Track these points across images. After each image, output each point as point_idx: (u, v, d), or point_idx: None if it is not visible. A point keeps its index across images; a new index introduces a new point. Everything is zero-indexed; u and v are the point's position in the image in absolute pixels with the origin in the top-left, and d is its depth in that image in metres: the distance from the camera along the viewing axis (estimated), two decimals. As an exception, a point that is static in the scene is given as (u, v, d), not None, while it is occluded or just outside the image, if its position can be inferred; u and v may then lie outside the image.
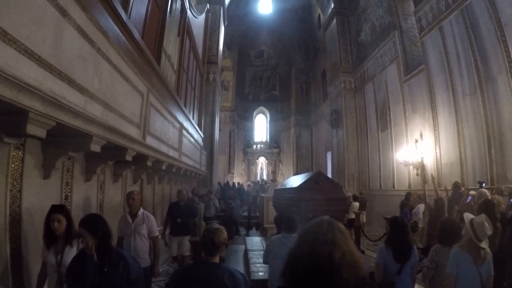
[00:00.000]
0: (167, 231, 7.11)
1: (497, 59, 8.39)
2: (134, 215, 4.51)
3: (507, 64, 8.07)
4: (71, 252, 3.13)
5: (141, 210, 4.58)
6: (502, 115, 8.33)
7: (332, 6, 20.30)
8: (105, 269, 2.57)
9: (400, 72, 13.75)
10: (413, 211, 9.02)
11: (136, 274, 2.71)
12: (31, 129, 2.80)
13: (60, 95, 2.98)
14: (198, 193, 12.14)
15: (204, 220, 9.41)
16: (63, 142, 3.76)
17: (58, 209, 3.22)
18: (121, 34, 4.59)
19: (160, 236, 6.71)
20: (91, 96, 3.64)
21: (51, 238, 3.20)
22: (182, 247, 6.92)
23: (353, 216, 10.45)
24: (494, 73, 8.54)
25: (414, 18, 12.70)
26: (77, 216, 4.53)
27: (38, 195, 3.80)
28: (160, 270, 5.32)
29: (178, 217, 6.79)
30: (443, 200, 7.30)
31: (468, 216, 3.39)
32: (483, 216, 3.25)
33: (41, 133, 2.94)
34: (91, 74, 3.66)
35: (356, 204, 11.20)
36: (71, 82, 3.20)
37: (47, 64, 2.82)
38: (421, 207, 8.75)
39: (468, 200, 6.62)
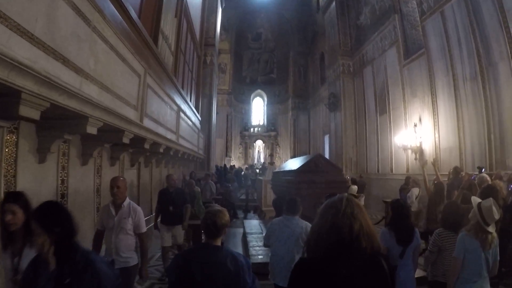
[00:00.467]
0: (158, 220, 6.66)
1: (499, 45, 8.27)
2: (118, 206, 3.87)
3: (508, 50, 7.96)
4: (31, 255, 2.23)
5: (127, 200, 3.94)
6: (502, 101, 8.26)
7: (331, -12, 19.99)
8: (66, 281, 1.89)
9: (399, 56, 13.58)
10: (407, 194, 9.02)
11: (110, 285, 2.02)
12: (24, 110, 2.70)
13: (55, 75, 2.87)
14: (196, 176, 11.90)
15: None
16: (59, 125, 3.66)
17: (12, 198, 2.53)
18: (117, 13, 4.47)
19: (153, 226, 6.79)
20: (87, 76, 3.53)
21: (6, 236, 2.47)
22: (175, 237, 6.50)
23: None
24: (495, 58, 8.43)
25: (414, 2, 12.48)
26: (73, 200, 4.49)
27: (34, 180, 3.72)
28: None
29: (169, 205, 6.34)
30: (443, 184, 7.27)
31: (475, 199, 3.34)
32: (491, 200, 3.20)
33: (35, 114, 2.84)
34: (87, 54, 3.55)
35: (355, 187, 11.11)
36: (65, 62, 3.09)
37: (41, 43, 2.71)
38: (414, 191, 8.75)
39: (473, 178, 6.53)
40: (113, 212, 3.83)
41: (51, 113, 3.12)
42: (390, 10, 14.29)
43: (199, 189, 9.36)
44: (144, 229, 3.98)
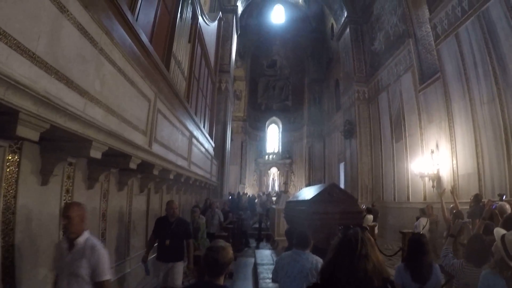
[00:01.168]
0: (153, 256, 5.78)
1: (516, 65, 8.08)
2: (71, 242, 2.93)
3: None
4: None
5: (85, 234, 2.98)
6: (521, 123, 7.98)
7: (345, 15, 20.18)
8: None
9: (415, 81, 13.44)
10: (414, 224, 8.73)
11: None
12: (22, 131, 2.61)
13: (56, 96, 2.79)
14: (198, 204, 11.36)
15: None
16: (62, 147, 3.57)
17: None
18: (126, 35, 4.42)
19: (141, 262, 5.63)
20: (92, 99, 3.45)
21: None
22: (172, 277, 5.41)
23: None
24: (513, 79, 8.23)
25: (429, 26, 12.46)
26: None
27: (35, 202, 3.61)
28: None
29: (166, 238, 5.39)
30: (462, 213, 6.96)
31: (499, 232, 3.06)
32: None
33: (34, 136, 2.75)
34: (92, 76, 3.48)
35: (370, 216, 10.85)
36: (69, 83, 3.02)
37: (42, 62, 2.64)
38: (422, 221, 8.44)
39: (494, 206, 6.22)
40: (65, 250, 2.95)
41: (52, 135, 3.04)
42: (404, 35, 14.26)
43: (203, 219, 9.09)
44: (105, 276, 2.94)
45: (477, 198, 7.67)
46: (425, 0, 12.73)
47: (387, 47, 16.20)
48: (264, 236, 15.07)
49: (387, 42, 16.16)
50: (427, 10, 12.49)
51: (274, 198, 23.02)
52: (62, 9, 2.87)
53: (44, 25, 2.66)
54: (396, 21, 15.16)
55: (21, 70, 2.39)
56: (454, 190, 8.37)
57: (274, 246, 12.14)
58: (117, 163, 4.68)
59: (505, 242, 2.80)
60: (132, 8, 4.97)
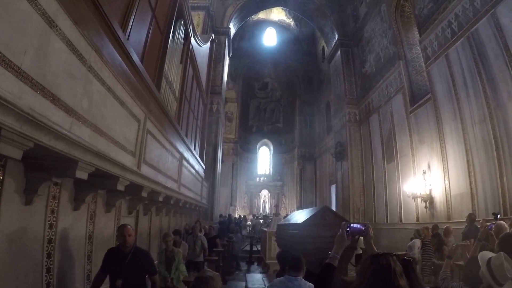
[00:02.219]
0: None
1: (506, 85, 8.19)
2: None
3: None
4: None
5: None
6: (513, 142, 8.02)
7: (336, 38, 20.52)
8: None
9: (406, 103, 13.56)
10: (408, 244, 8.69)
11: None
12: (4, 148, 2.47)
13: (41, 113, 2.67)
14: (180, 229, 9.65)
15: (188, 265, 8.00)
16: (47, 167, 3.43)
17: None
18: (117, 54, 4.33)
19: None
20: (79, 118, 3.34)
21: None
22: None
23: (360, 251, 9.99)
24: (504, 99, 8.31)
25: (419, 48, 12.68)
26: (62, 246, 4.20)
27: (19, 222, 3.44)
28: None
29: (118, 276, 4.12)
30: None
31: (484, 256, 2.96)
32: (501, 255, 2.80)
33: (17, 154, 2.61)
34: (80, 94, 3.37)
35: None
36: (55, 100, 2.90)
37: (28, 78, 2.53)
38: (416, 242, 8.39)
39: (489, 227, 6.14)
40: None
41: (37, 154, 2.91)
42: (395, 57, 14.45)
43: (186, 246, 8.49)
44: None
45: (471, 218, 7.63)
46: (415, 23, 12.98)
47: (377, 69, 16.39)
48: (255, 259, 14.84)
49: (378, 64, 16.36)
50: (417, 33, 12.75)
51: (261, 221, 22.78)
52: (51, 23, 2.78)
53: (31, 39, 2.57)
54: (386, 44, 15.39)
55: (5, 84, 2.28)
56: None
57: (265, 270, 11.93)
58: (104, 184, 4.53)
59: (491, 268, 2.70)
60: (124, 26, 4.90)
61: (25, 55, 2.50)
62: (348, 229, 2.68)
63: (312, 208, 9.67)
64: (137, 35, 5.70)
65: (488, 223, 6.34)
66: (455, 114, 10.18)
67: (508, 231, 5.23)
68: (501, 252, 2.91)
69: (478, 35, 9.14)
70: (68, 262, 4.30)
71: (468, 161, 9.56)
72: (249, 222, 23.60)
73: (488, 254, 2.95)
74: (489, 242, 5.32)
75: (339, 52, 20.38)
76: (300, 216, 8.37)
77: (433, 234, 7.87)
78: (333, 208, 20.55)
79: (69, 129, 3.12)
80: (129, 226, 4.39)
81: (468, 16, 9.57)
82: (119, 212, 6.28)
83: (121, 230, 4.29)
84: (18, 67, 2.42)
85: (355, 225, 2.76)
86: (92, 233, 5.14)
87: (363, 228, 2.74)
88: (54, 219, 4.05)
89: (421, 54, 12.64)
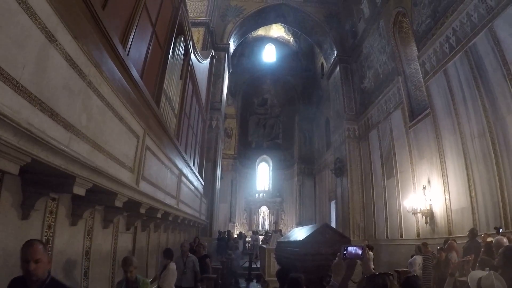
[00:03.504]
0: None
1: (505, 98, 8.23)
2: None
3: None
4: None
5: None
6: (513, 155, 8.01)
7: (335, 54, 20.70)
8: None
9: (405, 118, 13.60)
10: (409, 261, 8.64)
11: None
12: (0, 163, 2.45)
13: (40, 128, 2.65)
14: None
15: None
16: (44, 182, 3.39)
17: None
18: (116, 69, 4.33)
19: None
20: (77, 133, 3.31)
21: None
22: None
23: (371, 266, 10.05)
24: (503, 112, 8.35)
25: (417, 63, 12.77)
26: (58, 261, 4.13)
27: (15, 237, 3.38)
28: None
29: None
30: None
31: (473, 276, 2.90)
32: (491, 274, 2.74)
33: (13, 169, 2.58)
34: (79, 109, 3.35)
35: (371, 254, 10.90)
36: (53, 115, 2.88)
37: (26, 92, 2.51)
38: (417, 259, 8.36)
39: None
40: None
41: (34, 169, 2.88)
42: (394, 73, 14.53)
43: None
44: None
45: (473, 232, 7.57)
46: (413, 38, 13.10)
47: (376, 85, 16.47)
48: (255, 276, 14.68)
49: (377, 80, 16.45)
50: (416, 48, 12.86)
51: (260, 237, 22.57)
52: (51, 38, 2.77)
53: (30, 53, 2.56)
54: (385, 59, 15.50)
55: (3, 99, 2.26)
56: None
57: (264, 287, 11.78)
58: (102, 201, 4.48)
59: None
60: (124, 41, 4.91)
61: (24, 69, 2.48)
62: (345, 253, 2.65)
63: (312, 225, 9.60)
64: (137, 50, 5.72)
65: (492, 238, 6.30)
66: (454, 128, 10.21)
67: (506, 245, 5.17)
68: (491, 271, 2.86)
69: (476, 49, 9.22)
70: (65, 278, 4.21)
71: (468, 175, 9.55)
72: (248, 239, 23.36)
73: (478, 274, 2.90)
74: (491, 256, 5.28)
75: (338, 68, 20.54)
76: (299, 233, 8.30)
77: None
78: (333, 224, 20.45)
79: (67, 144, 3.09)
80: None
81: (466, 30, 9.66)
82: (117, 228, 6.21)
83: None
84: (16, 81, 2.40)
85: (351, 248, 2.72)
86: (89, 249, 5.08)
87: (360, 253, 2.70)
88: (51, 234, 4.00)
89: (419, 69, 12.75)
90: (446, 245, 7.96)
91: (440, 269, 7.35)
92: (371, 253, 10.98)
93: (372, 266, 10.86)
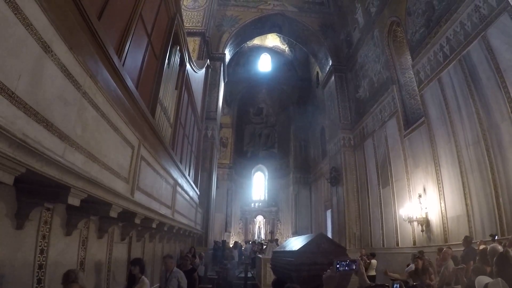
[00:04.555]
0: None
1: (499, 106, 8.29)
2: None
3: (509, 110, 7.96)
4: None
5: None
6: (508, 162, 8.06)
7: (330, 64, 20.84)
8: None
9: (400, 127, 13.67)
10: (406, 269, 8.78)
11: None
12: (-5, 173, 2.45)
13: (34, 138, 2.64)
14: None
15: None
16: (39, 192, 3.38)
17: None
18: (112, 80, 4.33)
19: None
20: (72, 144, 3.30)
21: None
22: None
23: (373, 273, 10.57)
24: (497, 120, 8.40)
25: (412, 72, 12.88)
26: (52, 272, 4.10)
27: (9, 247, 3.36)
28: None
29: None
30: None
31: (481, 281, 2.91)
32: (499, 281, 2.75)
33: (8, 179, 2.57)
34: (74, 119, 3.35)
35: (374, 261, 11.03)
36: (49, 126, 2.88)
37: (21, 103, 2.50)
38: (414, 267, 8.39)
39: None
40: None
41: (29, 179, 2.87)
42: (388, 82, 14.64)
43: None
44: None
45: (467, 240, 7.60)
46: (408, 47, 13.22)
47: (371, 94, 16.58)
48: (250, 286, 14.59)
49: (372, 89, 16.56)
50: (410, 57, 12.96)
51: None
52: (46, 48, 2.78)
53: (26, 64, 2.56)
54: (379, 69, 15.62)
55: (-2, 109, 2.27)
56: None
57: (260, 297, 11.74)
58: (97, 211, 4.46)
59: None
60: (120, 52, 4.92)
61: (19, 79, 2.48)
62: (338, 267, 2.65)
63: (307, 235, 9.60)
64: (132, 61, 5.73)
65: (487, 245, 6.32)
66: (449, 136, 10.28)
67: (500, 252, 5.18)
68: (499, 278, 2.86)
69: (470, 57, 9.32)
70: (59, 288, 4.19)
71: (463, 183, 9.59)
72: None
73: (485, 279, 2.91)
74: (487, 263, 5.29)
75: (333, 77, 20.68)
76: (295, 243, 8.29)
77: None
78: (329, 233, 20.46)
79: (62, 155, 3.08)
80: None
81: (459, 39, 9.77)
82: (112, 238, 6.18)
83: None
84: (12, 91, 2.40)
85: (344, 263, 2.72)
86: (84, 259, 5.04)
87: (354, 267, 2.70)
88: (45, 244, 3.98)
89: (414, 78, 12.88)
90: (441, 254, 7.96)
91: (418, 277, 7.39)
92: (374, 260, 11.05)
93: (374, 273, 10.94)
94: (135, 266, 5.67)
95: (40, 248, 3.87)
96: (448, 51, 10.30)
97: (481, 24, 8.93)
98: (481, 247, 6.62)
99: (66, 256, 4.50)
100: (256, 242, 24.69)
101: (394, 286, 3.00)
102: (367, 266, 10.77)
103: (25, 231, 3.58)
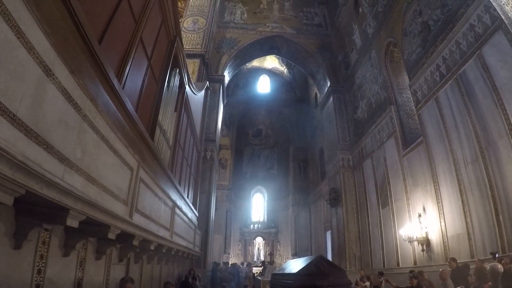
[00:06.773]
0: None
1: (496, 123, 8.36)
2: None
3: (506, 127, 8.02)
4: None
5: None
6: (507, 179, 8.07)
7: (328, 85, 21.06)
8: None
9: (398, 146, 13.75)
10: None
11: None
12: (-5, 194, 2.47)
13: (35, 161, 2.67)
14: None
15: None
16: (38, 213, 3.38)
17: None
18: (111, 103, 4.38)
19: None
20: (72, 166, 3.33)
21: None
22: None
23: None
24: (494, 137, 8.46)
25: (409, 92, 13.00)
26: (49, 293, 4.06)
27: (7, 266, 3.34)
28: None
29: None
30: None
31: None
32: None
33: (8, 200, 2.58)
34: (74, 142, 3.39)
35: (367, 283, 11.01)
36: (49, 148, 2.91)
37: (23, 125, 2.54)
38: None
39: None
40: None
41: (28, 200, 2.88)
42: (386, 102, 14.77)
43: None
44: None
45: (454, 261, 7.76)
46: (405, 68, 13.38)
47: (369, 115, 16.69)
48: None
49: (370, 109, 16.69)
50: (407, 77, 13.11)
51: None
52: (48, 72, 2.83)
53: (27, 86, 2.61)
54: (377, 89, 15.78)
55: (0, 131, 2.31)
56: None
57: (260, 321, 11.58)
58: (95, 232, 4.45)
59: None
60: (120, 75, 4.98)
61: (21, 102, 2.53)
62: None
63: (306, 257, 9.55)
64: (132, 83, 5.79)
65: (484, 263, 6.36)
66: (447, 155, 10.32)
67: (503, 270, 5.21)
68: None
69: (466, 76, 9.44)
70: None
71: (463, 201, 9.59)
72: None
73: None
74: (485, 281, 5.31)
75: (331, 98, 20.87)
76: (294, 265, 8.25)
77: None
78: (329, 254, 20.29)
79: (61, 177, 3.11)
80: None
81: (455, 58, 9.92)
82: (110, 260, 6.13)
83: None
84: (13, 114, 2.44)
85: None
86: (81, 280, 4.99)
87: None
88: (43, 264, 3.95)
89: (411, 98, 13.01)
90: (439, 274, 7.96)
91: None
92: (367, 283, 10.98)
93: None
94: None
95: (38, 268, 3.85)
96: (444, 70, 10.45)
97: (476, 42, 9.08)
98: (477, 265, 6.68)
99: (64, 276, 4.46)
100: (252, 264, 24.44)
101: None
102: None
103: (23, 251, 3.57)
